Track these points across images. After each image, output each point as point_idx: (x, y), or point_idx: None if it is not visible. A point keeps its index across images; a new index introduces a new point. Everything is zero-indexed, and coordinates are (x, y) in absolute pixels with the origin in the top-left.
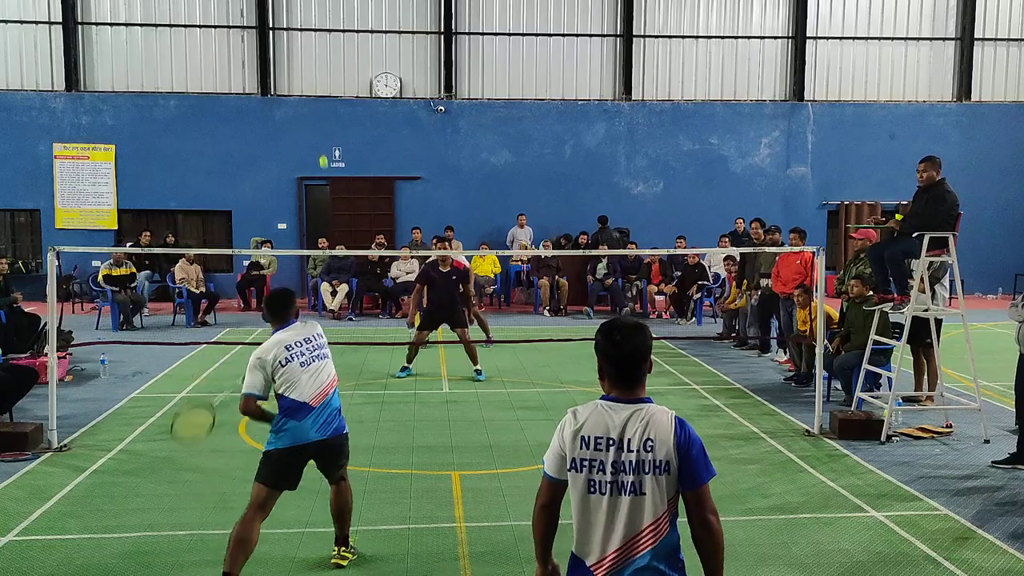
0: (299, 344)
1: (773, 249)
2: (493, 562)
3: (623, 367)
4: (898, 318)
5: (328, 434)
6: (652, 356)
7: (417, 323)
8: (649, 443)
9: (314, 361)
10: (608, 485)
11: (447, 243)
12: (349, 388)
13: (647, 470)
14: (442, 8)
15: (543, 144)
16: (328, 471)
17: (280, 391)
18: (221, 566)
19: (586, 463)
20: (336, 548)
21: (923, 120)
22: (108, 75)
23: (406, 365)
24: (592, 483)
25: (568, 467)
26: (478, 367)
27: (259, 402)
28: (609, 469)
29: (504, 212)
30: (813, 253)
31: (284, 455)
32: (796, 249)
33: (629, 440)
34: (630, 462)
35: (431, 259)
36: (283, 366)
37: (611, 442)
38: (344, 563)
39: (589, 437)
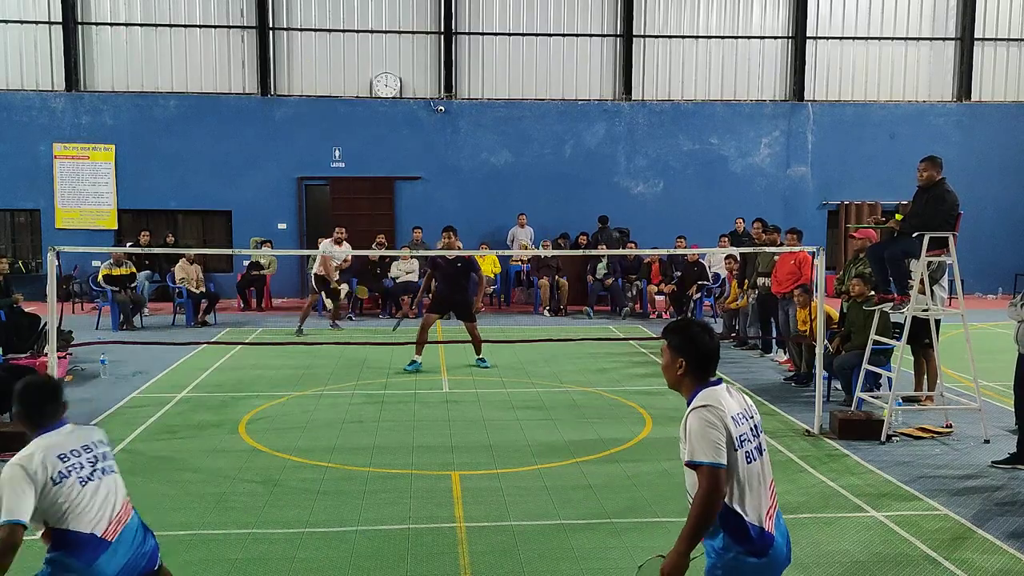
0: (76, 454)
1: (772, 249)
2: (493, 562)
3: (716, 358)
4: (898, 318)
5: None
6: (652, 356)
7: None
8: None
9: (99, 477)
10: (755, 451)
11: (452, 232)
12: (349, 388)
13: (762, 430)
14: (442, 8)
15: (543, 144)
16: None
17: (55, 522)
18: (221, 565)
19: (744, 438)
20: None
21: (923, 120)
22: (108, 75)
23: (415, 358)
24: (748, 455)
25: (735, 447)
26: (481, 355)
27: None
28: (751, 436)
29: (504, 212)
30: (812, 254)
31: None
32: (794, 249)
33: (750, 406)
34: (756, 426)
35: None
36: (55, 484)
37: (746, 413)
38: None
39: (738, 415)
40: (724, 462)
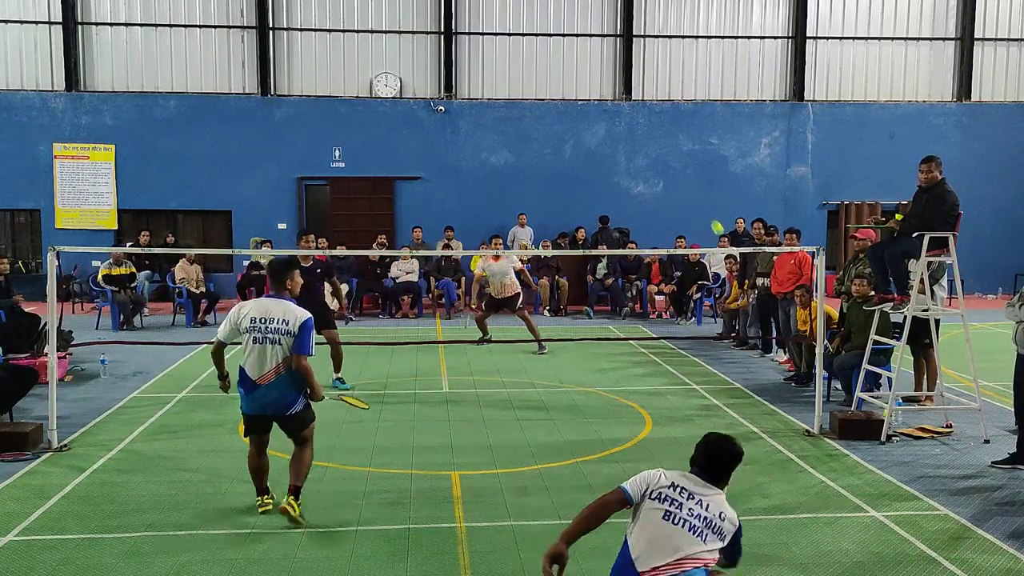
0: (262, 321)
1: (772, 249)
2: (493, 562)
3: (720, 464)
4: (898, 318)
5: (263, 411)
6: (653, 356)
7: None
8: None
9: (265, 343)
10: (679, 520)
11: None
12: (349, 388)
13: (710, 524)
14: (442, 8)
15: (543, 144)
16: (286, 434)
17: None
18: (221, 566)
19: (668, 498)
20: (287, 497)
21: (923, 120)
22: (108, 75)
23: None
24: (667, 514)
25: (650, 497)
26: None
27: (220, 347)
28: (680, 510)
29: (504, 212)
30: (812, 254)
31: (243, 414)
32: (793, 249)
33: (712, 513)
34: (702, 516)
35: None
36: (242, 334)
37: (696, 498)
38: (291, 512)
39: (678, 489)
40: (631, 496)
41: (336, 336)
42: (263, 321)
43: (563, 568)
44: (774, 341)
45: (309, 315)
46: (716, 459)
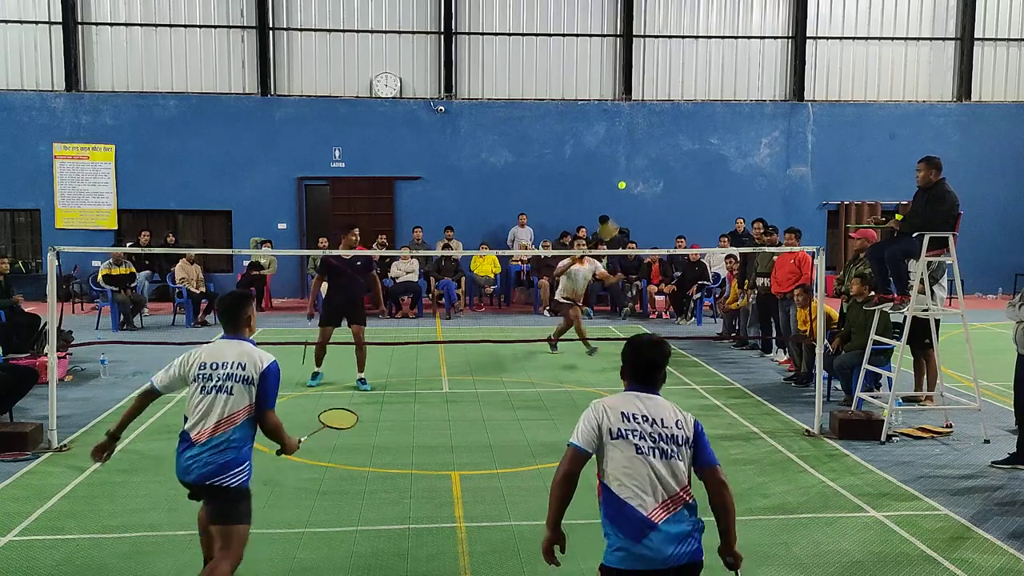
0: (212, 366)
1: (772, 249)
2: (493, 562)
3: (649, 369)
4: (898, 318)
5: (183, 476)
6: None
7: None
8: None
9: (212, 392)
10: (650, 449)
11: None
12: (349, 388)
13: (677, 440)
14: (442, 8)
15: (543, 144)
16: (209, 520)
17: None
18: None
19: (626, 431)
20: None
21: (923, 120)
22: (108, 75)
23: (590, 346)
24: (637, 447)
25: (611, 438)
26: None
27: (150, 394)
28: (644, 436)
29: (504, 212)
30: (812, 254)
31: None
32: (793, 249)
33: (665, 417)
34: (662, 434)
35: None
36: (189, 384)
37: (649, 417)
38: None
39: (630, 414)
40: (586, 448)
41: (362, 333)
42: (213, 366)
43: (564, 547)
44: (774, 341)
45: (274, 359)
46: (648, 361)
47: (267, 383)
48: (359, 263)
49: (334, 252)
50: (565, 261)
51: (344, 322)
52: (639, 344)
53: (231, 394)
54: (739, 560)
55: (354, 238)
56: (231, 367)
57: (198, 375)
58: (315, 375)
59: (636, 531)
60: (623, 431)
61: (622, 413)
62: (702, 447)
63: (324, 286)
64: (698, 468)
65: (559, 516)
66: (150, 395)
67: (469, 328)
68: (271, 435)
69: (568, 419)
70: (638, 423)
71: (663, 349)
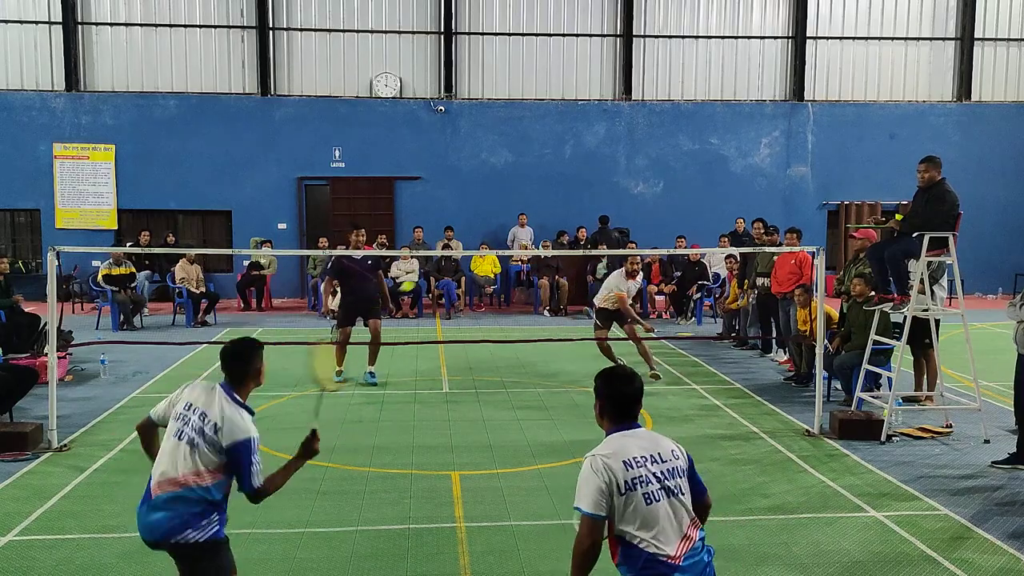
0: (188, 407)
1: (772, 249)
2: (493, 562)
3: (632, 403)
4: (898, 318)
5: (145, 534)
6: (655, 357)
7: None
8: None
9: (180, 438)
10: (659, 493)
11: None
12: (349, 388)
13: (682, 474)
14: (442, 8)
15: (543, 144)
16: None
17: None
18: None
19: (640, 481)
20: None
21: (923, 120)
22: (108, 75)
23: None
24: (647, 496)
25: (624, 491)
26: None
27: (150, 427)
28: (653, 480)
29: (504, 212)
30: (812, 254)
31: None
32: (793, 249)
33: (665, 452)
34: (670, 470)
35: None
36: (167, 424)
37: (655, 457)
38: None
39: (636, 459)
40: (601, 513)
41: (379, 327)
42: (189, 408)
43: None
44: (774, 341)
45: (248, 436)
46: (631, 396)
47: (239, 460)
48: (369, 262)
49: (344, 253)
50: (622, 285)
51: (359, 320)
52: (616, 379)
53: (196, 448)
54: None
55: (361, 238)
56: (207, 422)
57: (179, 415)
58: (338, 373)
59: None
60: (631, 483)
61: (624, 462)
62: (695, 475)
63: (323, 286)
64: (694, 496)
65: None
66: (149, 426)
67: (469, 328)
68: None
69: (568, 419)
70: (643, 467)
71: (639, 382)
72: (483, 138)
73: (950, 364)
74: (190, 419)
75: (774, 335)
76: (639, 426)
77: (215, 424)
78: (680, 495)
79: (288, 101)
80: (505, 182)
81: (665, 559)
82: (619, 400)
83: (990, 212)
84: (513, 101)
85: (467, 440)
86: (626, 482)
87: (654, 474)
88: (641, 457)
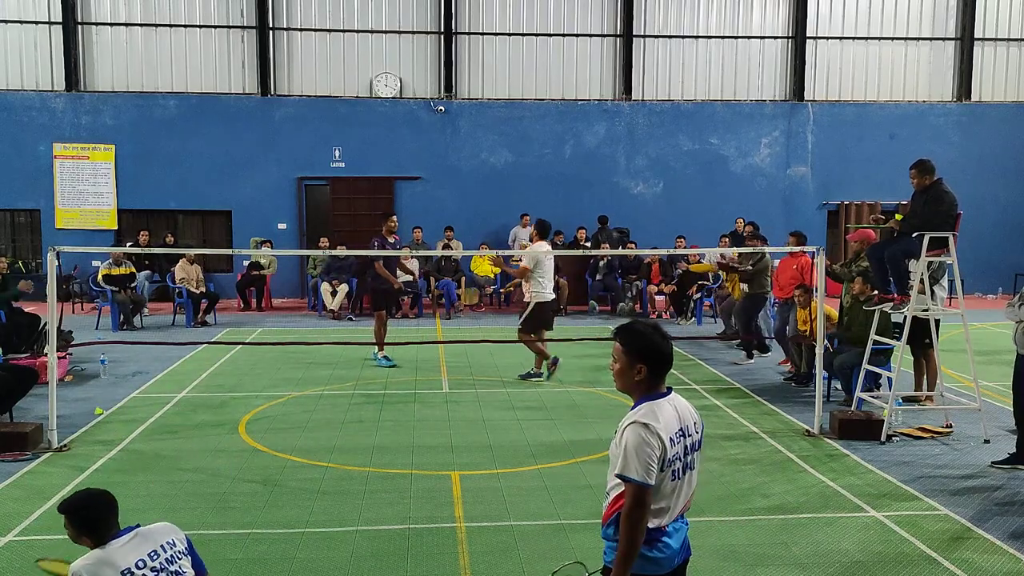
0: (152, 555)
1: (773, 249)
2: (493, 562)
3: (671, 363)
4: (898, 318)
5: None
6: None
7: None
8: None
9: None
10: (681, 471)
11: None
12: (349, 388)
13: (699, 447)
14: (442, 8)
15: (543, 144)
16: None
17: None
18: (221, 565)
19: (674, 458)
20: None
21: (923, 120)
22: (108, 75)
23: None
24: (674, 473)
25: (663, 468)
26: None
27: None
28: (681, 456)
29: (504, 212)
30: (812, 254)
31: None
32: (795, 249)
33: (693, 423)
34: (692, 444)
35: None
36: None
37: (685, 430)
38: None
39: (675, 435)
40: (653, 482)
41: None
42: (152, 555)
43: None
44: (757, 344)
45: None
46: (670, 354)
47: (193, 549)
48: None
49: (383, 242)
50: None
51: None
52: (658, 334)
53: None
54: None
55: (393, 224)
56: (168, 548)
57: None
58: (387, 358)
59: (649, 542)
60: (670, 460)
61: (670, 439)
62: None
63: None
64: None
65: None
66: None
67: (469, 328)
68: None
69: (568, 419)
70: (678, 444)
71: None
72: (483, 138)
73: (950, 364)
74: (157, 564)
75: (767, 335)
76: (671, 391)
77: (169, 541)
78: (692, 469)
79: (288, 101)
80: (505, 182)
81: (656, 527)
82: (664, 361)
83: (990, 212)
84: (513, 101)
85: (467, 440)
86: (667, 460)
87: (683, 451)
88: (678, 432)
